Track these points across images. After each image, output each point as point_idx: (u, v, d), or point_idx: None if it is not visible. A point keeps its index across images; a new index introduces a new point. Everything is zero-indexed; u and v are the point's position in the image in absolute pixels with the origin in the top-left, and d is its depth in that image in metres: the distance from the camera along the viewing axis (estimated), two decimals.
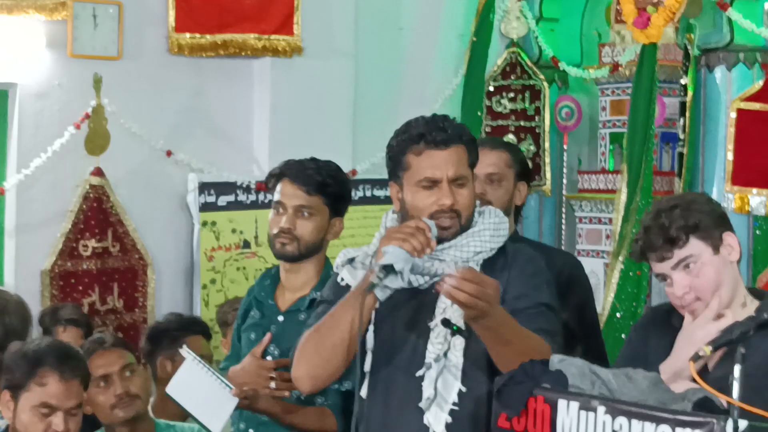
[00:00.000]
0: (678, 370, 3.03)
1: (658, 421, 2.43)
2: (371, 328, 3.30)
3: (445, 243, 3.25)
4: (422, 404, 3.20)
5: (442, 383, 3.20)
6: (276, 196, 4.03)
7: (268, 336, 3.98)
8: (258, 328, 4.07)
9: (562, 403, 2.61)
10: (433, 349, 3.22)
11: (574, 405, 2.58)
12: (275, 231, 3.98)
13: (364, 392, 3.33)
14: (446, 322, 3.19)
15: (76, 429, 3.67)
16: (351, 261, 3.40)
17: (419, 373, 3.22)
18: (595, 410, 2.54)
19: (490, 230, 3.31)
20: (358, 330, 3.12)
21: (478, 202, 3.41)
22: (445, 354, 3.21)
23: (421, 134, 3.28)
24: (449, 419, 3.18)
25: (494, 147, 4.32)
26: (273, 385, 3.89)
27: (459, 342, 3.20)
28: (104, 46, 6.02)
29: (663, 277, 3.21)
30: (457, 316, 3.19)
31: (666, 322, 3.34)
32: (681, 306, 3.20)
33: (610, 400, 2.58)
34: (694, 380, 2.64)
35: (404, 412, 3.23)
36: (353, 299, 3.18)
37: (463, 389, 3.19)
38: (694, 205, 3.17)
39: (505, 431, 2.74)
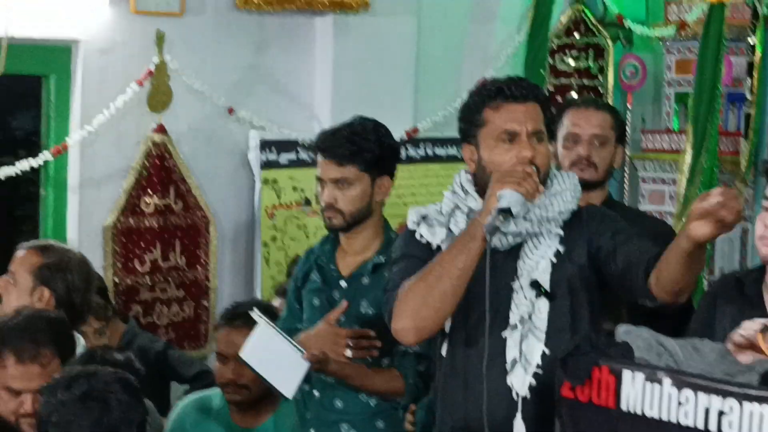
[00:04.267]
0: None
1: (725, 394, 2.40)
2: None
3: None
4: (508, 365, 3.19)
5: (526, 346, 3.18)
6: (317, 171, 4.06)
7: (344, 303, 3.98)
8: (321, 293, 4.07)
9: (627, 374, 2.58)
10: (517, 311, 3.21)
11: (640, 376, 2.55)
12: (322, 206, 4.03)
13: (444, 351, 3.34)
14: (536, 284, 3.20)
15: None
16: (424, 218, 3.39)
17: (504, 334, 3.21)
18: (660, 382, 2.51)
19: (570, 191, 3.30)
20: (468, 276, 3.14)
21: (554, 165, 3.41)
22: (530, 316, 3.20)
23: (500, 89, 3.30)
24: (533, 382, 3.17)
25: (599, 108, 4.31)
26: (349, 353, 3.91)
27: (544, 304, 3.20)
28: (167, 2, 6.00)
29: None
30: (543, 279, 3.20)
31: (735, 291, 3.31)
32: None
33: (676, 372, 2.54)
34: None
35: (487, 373, 3.17)
36: (462, 245, 3.16)
37: (547, 352, 3.17)
38: None
39: (569, 401, 2.72)
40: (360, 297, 4.01)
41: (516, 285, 3.24)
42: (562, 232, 3.26)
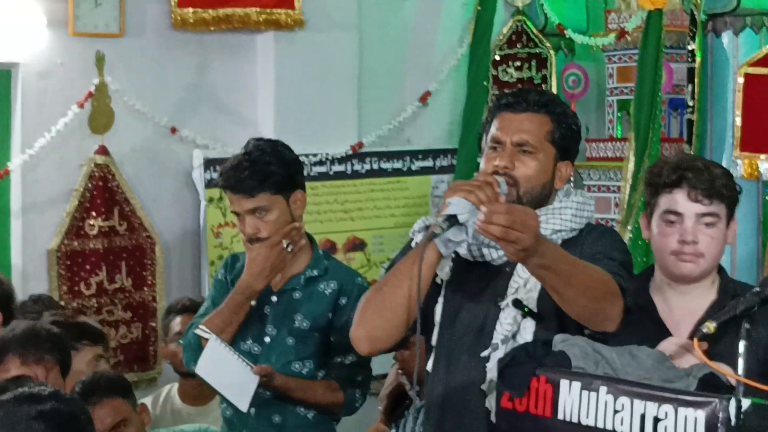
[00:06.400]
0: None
1: (661, 400, 2.43)
2: (440, 300, 3.22)
3: None
4: (484, 386, 3.07)
5: None
6: (230, 206, 4.10)
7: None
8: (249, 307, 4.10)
9: (564, 384, 2.60)
10: (501, 330, 3.11)
11: (576, 385, 2.57)
12: (245, 238, 4.05)
13: (429, 366, 3.26)
14: (518, 303, 3.10)
15: None
16: (428, 228, 3.27)
17: (485, 353, 3.11)
18: (597, 390, 2.53)
19: (572, 209, 3.20)
20: (418, 285, 2.99)
21: (570, 183, 3.27)
22: (514, 336, 3.09)
23: (502, 98, 3.26)
24: None
25: None
26: (286, 245, 4.04)
27: (530, 325, 3.09)
28: (106, 24, 5.98)
29: (674, 214, 3.24)
30: (529, 298, 3.09)
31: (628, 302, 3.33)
32: (677, 252, 3.24)
33: (612, 380, 2.57)
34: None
35: (466, 392, 3.14)
36: (416, 256, 3.06)
37: None
38: (732, 178, 3.34)
39: (507, 411, 2.73)
40: (293, 311, 4.06)
41: (503, 303, 3.14)
42: None
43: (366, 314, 3.18)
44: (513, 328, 3.10)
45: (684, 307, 3.02)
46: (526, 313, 3.09)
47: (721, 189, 3.27)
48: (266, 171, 4.02)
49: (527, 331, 3.09)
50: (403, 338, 3.26)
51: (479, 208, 2.90)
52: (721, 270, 3.38)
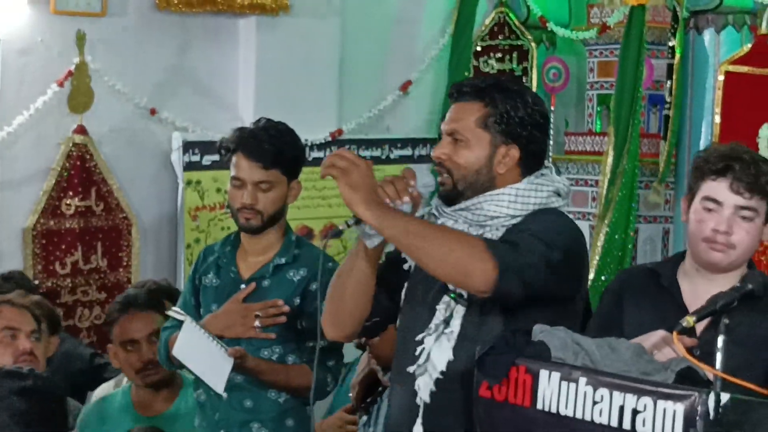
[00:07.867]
0: None
1: (640, 393, 2.42)
2: (406, 284, 3.25)
3: (461, 203, 3.13)
4: (411, 369, 3.12)
5: (437, 351, 3.09)
6: (233, 171, 4.05)
7: (252, 285, 4.04)
8: (219, 295, 4.10)
9: (543, 374, 2.59)
10: (439, 315, 3.13)
11: (556, 376, 2.57)
12: (237, 206, 4.02)
13: None
14: (445, 288, 3.11)
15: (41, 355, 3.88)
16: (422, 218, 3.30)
17: (418, 337, 3.14)
18: (576, 381, 2.53)
19: (510, 195, 3.12)
20: (357, 278, 3.13)
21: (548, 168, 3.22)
22: (447, 322, 3.11)
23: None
24: (434, 388, 3.08)
25: None
26: (258, 323, 3.97)
27: (460, 310, 3.10)
28: (88, 2, 5.95)
29: (714, 202, 3.24)
30: None
31: (650, 284, 3.35)
32: (708, 239, 3.25)
33: (592, 371, 2.56)
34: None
35: (404, 375, 3.16)
36: (354, 248, 3.17)
37: (452, 359, 3.07)
38: None
39: (486, 400, 2.73)
40: (261, 299, 4.06)
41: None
42: (492, 237, 3.06)
43: (326, 302, 3.26)
44: (447, 314, 3.12)
45: (708, 295, 3.02)
46: (453, 298, 3.10)
47: (765, 185, 3.26)
48: (284, 149, 4.02)
49: (458, 316, 3.10)
50: (373, 326, 3.29)
51: (385, 201, 3.00)
52: (750, 264, 3.38)
